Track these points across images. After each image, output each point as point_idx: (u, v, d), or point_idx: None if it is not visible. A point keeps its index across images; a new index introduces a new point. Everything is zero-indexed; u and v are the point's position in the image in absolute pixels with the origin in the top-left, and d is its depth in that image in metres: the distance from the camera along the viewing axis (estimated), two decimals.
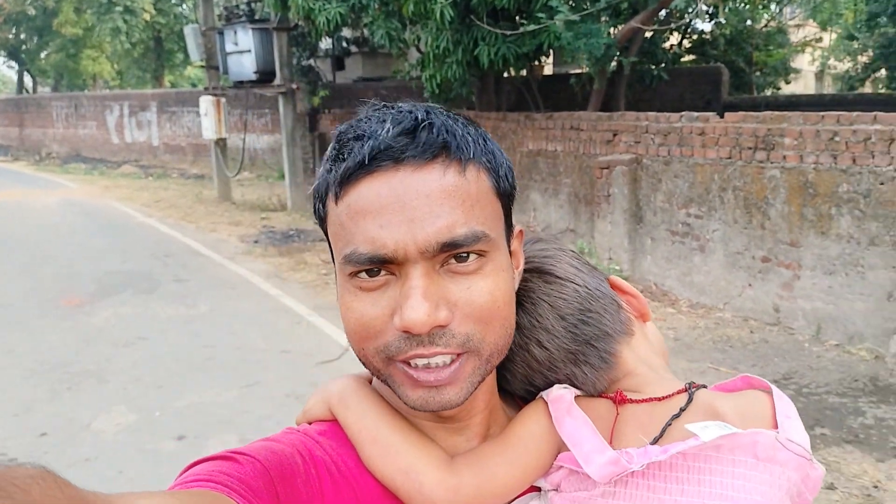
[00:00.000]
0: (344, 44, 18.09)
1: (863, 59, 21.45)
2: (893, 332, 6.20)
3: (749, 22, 17.11)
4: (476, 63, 10.12)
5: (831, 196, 6.49)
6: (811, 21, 23.24)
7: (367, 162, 0.79)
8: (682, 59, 15.83)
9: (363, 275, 0.80)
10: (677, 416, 0.87)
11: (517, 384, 0.99)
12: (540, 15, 8.88)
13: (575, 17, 8.81)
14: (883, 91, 19.28)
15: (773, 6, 18.34)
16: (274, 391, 5.79)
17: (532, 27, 8.92)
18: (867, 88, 21.38)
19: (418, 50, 12.69)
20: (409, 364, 0.81)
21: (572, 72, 15.68)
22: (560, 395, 0.92)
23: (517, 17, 10.27)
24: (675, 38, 15.35)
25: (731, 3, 15.37)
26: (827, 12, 21.82)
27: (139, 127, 25.54)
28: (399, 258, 0.78)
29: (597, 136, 8.93)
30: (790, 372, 6.03)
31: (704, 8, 14.15)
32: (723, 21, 15.79)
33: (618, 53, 10.04)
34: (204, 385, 5.91)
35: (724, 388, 0.96)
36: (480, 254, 0.81)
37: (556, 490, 0.90)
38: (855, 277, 6.42)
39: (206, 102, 15.65)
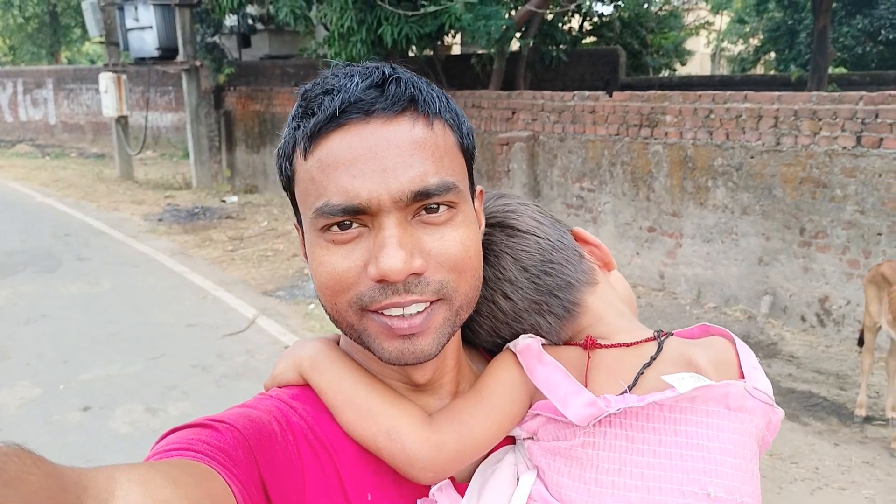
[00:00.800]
0: (250, 21, 17.83)
1: (754, 41, 22.54)
2: (763, 294, 6.80)
3: (645, 5, 17.81)
4: (380, 42, 10.28)
5: (708, 169, 7.03)
6: (705, 4, 24.29)
7: (337, 115, 0.80)
8: (583, 42, 16.39)
9: (335, 228, 0.81)
10: (648, 364, 0.89)
11: (484, 337, 1.00)
12: None
13: (474, 0, 9.09)
14: (773, 73, 20.35)
15: None
16: (180, 362, 5.90)
17: (433, 8, 9.14)
18: (759, 70, 22.49)
19: (325, 28, 12.73)
20: (382, 314, 0.82)
21: (479, 52, 16.03)
22: (527, 345, 0.93)
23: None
24: (576, 21, 15.86)
25: None
26: None
27: (34, 105, 24.44)
28: (373, 208, 0.79)
29: (497, 113, 9.27)
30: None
31: None
32: (622, 4, 16.41)
33: (517, 35, 10.37)
34: (109, 359, 5.95)
35: (684, 334, 0.98)
36: (450, 205, 0.83)
37: (533, 438, 0.92)
38: (730, 244, 6.98)
39: (105, 79, 15.21)
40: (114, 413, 4.99)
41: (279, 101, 14.25)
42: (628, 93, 7.80)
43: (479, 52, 14.44)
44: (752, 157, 6.67)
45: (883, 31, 17.18)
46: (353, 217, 0.80)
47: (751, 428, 0.87)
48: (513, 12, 11.64)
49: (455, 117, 0.87)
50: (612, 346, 0.92)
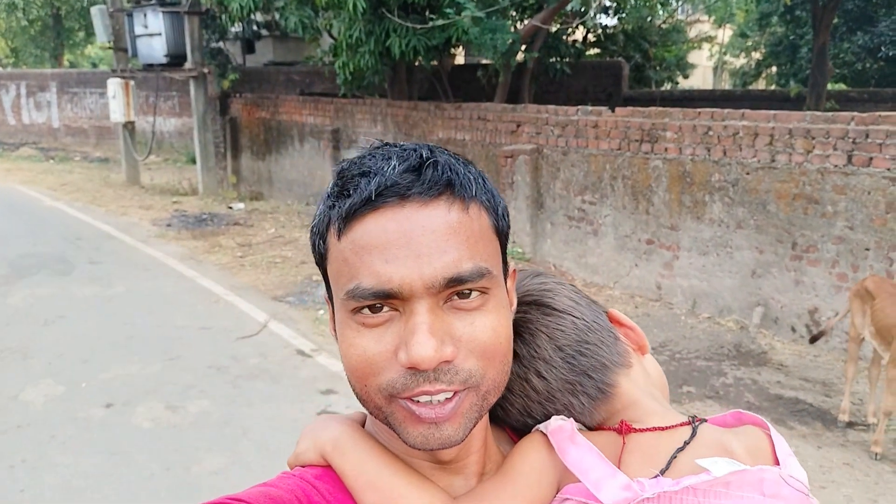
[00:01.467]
0: (255, 27, 18.08)
1: (756, 56, 22.78)
2: (755, 305, 7.03)
3: (649, 19, 18.09)
4: (388, 53, 10.53)
5: (705, 184, 7.27)
6: (707, 18, 24.60)
7: (373, 198, 0.79)
8: (587, 54, 16.66)
9: (366, 311, 0.81)
10: (682, 448, 0.88)
11: (514, 416, 0.99)
12: (448, 10, 9.37)
13: (481, 14, 9.34)
14: (774, 88, 20.59)
15: (672, 3, 19.43)
16: (196, 364, 6.13)
17: (441, 22, 9.40)
18: (761, 84, 22.73)
19: (331, 36, 12.98)
20: (411, 401, 0.81)
21: (483, 63, 16.28)
22: (560, 426, 0.92)
23: (427, 11, 10.74)
24: (579, 34, 16.14)
25: (630, 0, 16.28)
26: (721, 10, 23.18)
27: (38, 108, 24.66)
28: (405, 293, 0.79)
29: (502, 126, 9.52)
30: (666, 341, 6.78)
31: (607, 3, 14.97)
32: (625, 16, 16.69)
33: (522, 48, 10.63)
34: (127, 359, 6.19)
35: (717, 422, 0.98)
36: (483, 291, 0.82)
37: None
38: (725, 257, 7.22)
39: (114, 85, 15.48)
40: (135, 410, 5.23)
41: (285, 109, 14.50)
42: (630, 108, 8.05)
43: (484, 62, 14.71)
44: (747, 174, 6.91)
45: (883, 48, 17.42)
46: (385, 301, 0.80)
47: None
48: (518, 25, 11.91)
49: (491, 198, 0.88)
50: (647, 430, 0.91)
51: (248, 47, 19.51)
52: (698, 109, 7.43)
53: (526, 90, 12.31)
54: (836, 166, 6.25)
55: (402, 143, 0.88)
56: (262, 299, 8.00)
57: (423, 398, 0.80)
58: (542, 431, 0.93)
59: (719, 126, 7.12)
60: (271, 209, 13.18)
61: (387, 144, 0.88)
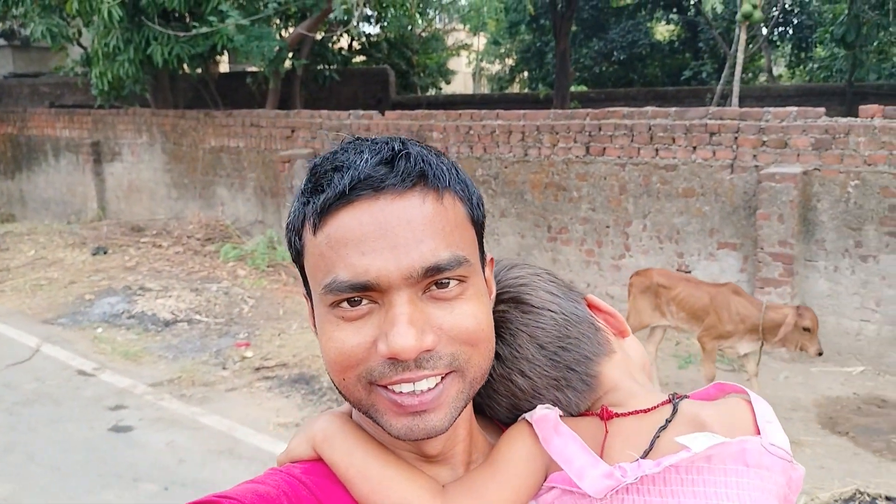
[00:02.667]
0: None
1: (509, 62, 24.56)
2: None
3: (409, 27, 18.96)
4: (150, 61, 10.22)
5: (473, 179, 7.93)
6: (463, 27, 26.10)
7: (347, 192, 0.80)
8: (353, 61, 17.13)
9: (345, 304, 0.81)
10: (664, 427, 0.89)
11: (503, 413, 0.99)
12: (211, 18, 9.33)
13: (245, 22, 9.40)
14: (526, 91, 22.34)
15: (429, 12, 20.47)
16: None
17: (205, 29, 9.33)
18: (515, 88, 24.52)
19: (79, 45, 12.29)
20: (392, 390, 0.81)
21: (249, 69, 16.15)
22: (544, 415, 0.92)
23: (189, 19, 10.56)
24: (345, 42, 16.55)
25: (391, 10, 16.98)
26: (475, 20, 24.73)
27: None
28: (382, 285, 0.79)
29: (276, 132, 9.65)
30: None
31: (368, 12, 15.52)
32: (386, 24, 17.38)
33: (290, 55, 10.80)
34: None
35: (699, 396, 0.99)
36: (461, 279, 0.82)
37: None
38: (493, 244, 7.94)
39: None
40: None
41: (35, 123, 13.48)
42: (399, 112, 8.57)
43: (252, 70, 14.63)
44: (506, 167, 7.67)
45: (615, 53, 19.68)
46: (363, 293, 0.80)
47: (771, 485, 0.85)
48: (284, 33, 12.06)
49: (465, 188, 0.88)
50: (629, 413, 0.92)
51: None
52: (459, 111, 8.10)
53: (297, 97, 12.48)
54: (577, 157, 7.15)
55: (373, 137, 0.88)
56: (31, 323, 7.50)
57: (405, 387, 0.80)
58: (527, 420, 0.94)
59: (479, 126, 7.82)
60: (27, 231, 12.20)
61: (358, 139, 0.88)
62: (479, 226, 0.90)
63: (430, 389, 0.81)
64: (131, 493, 4.33)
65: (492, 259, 0.96)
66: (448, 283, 0.81)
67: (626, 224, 6.97)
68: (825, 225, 6.12)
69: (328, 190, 0.81)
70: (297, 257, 0.88)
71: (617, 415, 0.92)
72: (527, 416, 0.94)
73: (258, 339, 6.96)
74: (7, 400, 5.65)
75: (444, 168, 0.85)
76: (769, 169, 6.17)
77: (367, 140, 0.86)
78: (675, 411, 0.91)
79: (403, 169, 0.81)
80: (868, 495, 4.31)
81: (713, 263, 6.63)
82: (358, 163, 0.81)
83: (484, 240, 0.92)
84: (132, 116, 11.80)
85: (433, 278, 0.80)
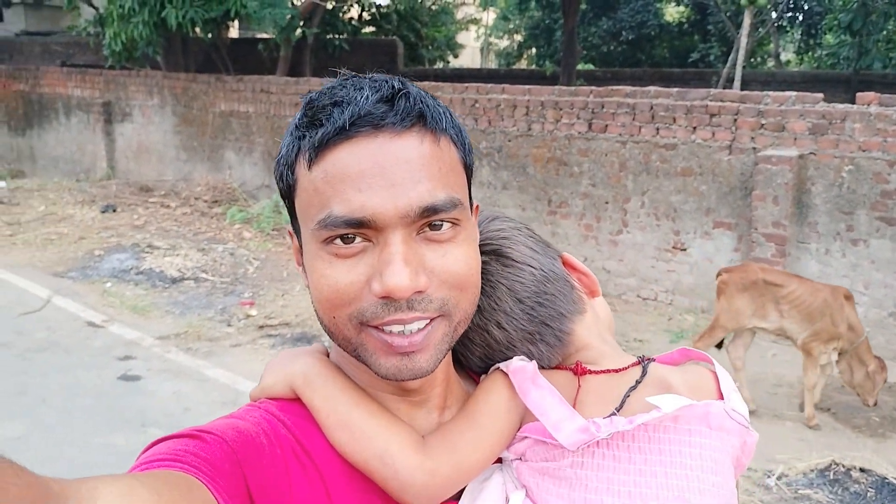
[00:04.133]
0: None
1: (517, 38, 24.52)
2: None
3: (420, 0, 18.97)
4: (164, 24, 10.33)
5: (475, 152, 8.06)
6: (473, 1, 26.03)
7: (347, 127, 0.79)
8: (363, 32, 17.19)
9: (338, 241, 0.80)
10: (634, 387, 0.92)
11: (475, 363, 1.01)
12: None
13: None
14: (534, 67, 22.35)
15: None
16: None
17: None
18: (523, 64, 24.52)
19: (90, 5, 12.38)
20: (382, 330, 0.81)
21: (259, 37, 16.23)
22: (521, 366, 0.93)
23: None
24: (355, 12, 16.60)
25: None
26: None
27: None
28: (378, 223, 0.79)
29: (286, 98, 9.78)
30: None
31: None
32: None
33: (301, 24, 10.90)
34: None
35: (665, 360, 1.02)
36: (454, 222, 0.83)
37: (521, 459, 0.93)
38: None
39: None
40: None
41: (47, 81, 13.61)
42: None
43: (263, 36, 14.71)
44: (509, 141, 7.82)
45: (624, 32, 19.69)
46: (357, 230, 0.80)
47: (728, 447, 0.91)
48: (296, 1, 12.14)
49: (459, 134, 0.88)
50: (602, 371, 0.94)
51: None
52: (466, 84, 8.23)
53: (307, 65, 12.60)
54: (579, 133, 7.29)
55: (373, 74, 0.87)
56: (42, 276, 7.71)
57: (395, 327, 0.81)
58: (503, 371, 0.94)
59: (484, 99, 7.95)
60: (37, 187, 12.37)
61: (356, 75, 0.86)
62: (469, 171, 0.91)
63: (419, 331, 0.81)
64: (139, 437, 4.54)
65: (477, 206, 0.96)
66: (441, 225, 0.82)
67: (624, 200, 7.14)
68: (818, 208, 6.28)
69: (327, 124, 0.80)
70: (288, 192, 0.87)
71: (590, 371, 0.94)
72: (502, 366, 0.95)
73: (262, 298, 7.16)
74: (19, 346, 5.87)
75: (441, 111, 0.86)
76: (766, 151, 6.33)
77: (367, 77, 0.85)
78: (644, 373, 0.94)
79: (403, 108, 0.81)
80: (843, 466, 4.51)
81: (708, 242, 6.80)
82: (358, 99, 0.80)
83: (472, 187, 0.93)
84: (144, 78, 11.93)
85: (429, 219, 0.80)
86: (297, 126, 0.85)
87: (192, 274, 7.79)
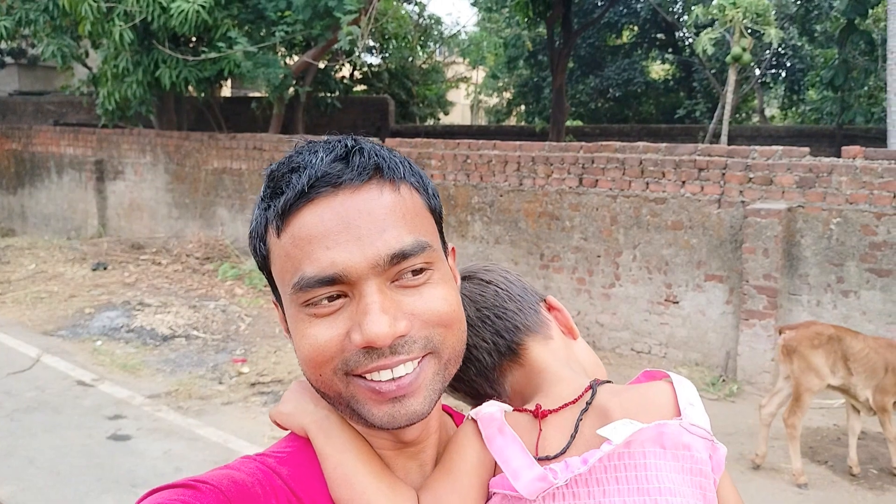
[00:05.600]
0: None
1: (507, 95, 24.94)
2: None
3: (410, 59, 19.34)
4: (158, 83, 10.47)
5: (467, 206, 8.16)
6: (463, 60, 26.56)
7: (306, 190, 0.81)
8: (354, 90, 17.47)
9: (316, 302, 0.82)
10: (585, 409, 0.93)
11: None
12: (220, 44, 9.60)
13: (253, 49, 9.67)
14: (523, 124, 22.68)
15: (430, 45, 20.90)
16: None
17: (213, 55, 9.59)
18: (512, 121, 24.87)
19: (85, 66, 12.55)
20: (370, 379, 0.82)
21: (252, 94, 16.46)
22: (490, 414, 0.94)
23: (197, 43, 10.84)
24: (347, 71, 16.89)
25: (393, 42, 17.38)
26: (474, 53, 25.20)
27: None
28: (351, 276, 0.80)
29: (278, 155, 9.81)
30: None
31: (371, 43, 15.89)
32: (388, 55, 17.77)
33: (294, 82, 11.08)
34: None
35: (631, 383, 1.03)
36: (426, 266, 0.84)
37: None
38: None
39: None
40: None
41: (40, 140, 13.70)
42: (398, 139, 8.80)
43: (255, 94, 14.91)
44: (501, 196, 7.89)
45: (611, 90, 20.07)
46: (331, 288, 0.81)
47: (690, 464, 0.89)
48: (289, 60, 12.36)
49: (420, 180, 0.89)
50: (560, 408, 0.94)
51: None
52: (458, 141, 8.34)
53: (299, 122, 12.75)
54: (570, 188, 7.38)
55: (326, 137, 0.90)
56: (31, 335, 7.64)
57: (384, 374, 0.81)
58: (473, 419, 0.95)
59: (476, 155, 8.05)
60: (28, 245, 12.35)
61: (311, 141, 0.89)
62: (437, 215, 0.92)
63: (407, 374, 0.82)
64: (129, 497, 4.45)
65: (453, 248, 0.97)
66: (414, 272, 0.83)
67: (616, 254, 7.18)
68: (808, 260, 6.34)
69: (287, 191, 0.82)
70: (264, 263, 0.89)
71: (551, 411, 0.94)
72: (472, 413, 0.95)
73: (254, 355, 7.10)
74: (7, 406, 5.78)
75: (398, 161, 0.88)
76: (755, 205, 6.40)
77: (321, 140, 0.88)
78: (594, 393, 0.94)
79: (359, 163, 0.83)
80: None
81: (700, 295, 6.83)
82: (314, 162, 0.83)
83: (444, 230, 0.95)
84: (137, 136, 12.03)
85: (399, 266, 0.82)
86: (262, 198, 0.87)
87: (184, 331, 7.74)
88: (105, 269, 10.34)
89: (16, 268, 10.66)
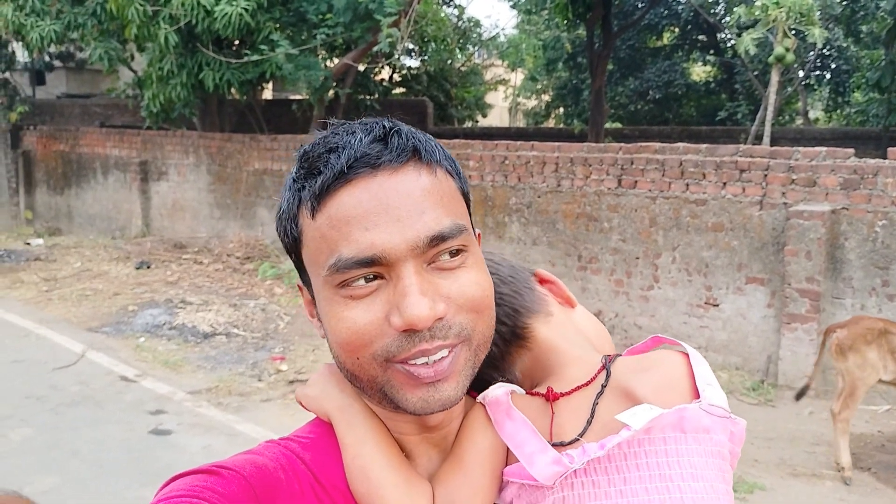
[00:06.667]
0: (46, 58, 17.22)
1: (545, 97, 24.83)
2: None
3: (449, 61, 19.38)
4: (201, 86, 10.65)
5: (504, 207, 8.15)
6: (501, 62, 26.52)
7: (345, 171, 0.80)
8: (393, 92, 17.57)
9: (352, 283, 0.81)
10: (601, 393, 0.90)
11: None
12: (262, 47, 9.73)
13: (294, 51, 9.79)
14: (561, 126, 22.56)
15: (469, 48, 20.92)
16: (11, 395, 5.98)
17: (256, 57, 9.73)
18: (550, 123, 24.75)
19: (130, 69, 12.82)
20: (408, 363, 0.82)
21: (293, 97, 16.64)
22: (496, 398, 0.93)
23: (240, 46, 11.01)
24: (386, 73, 17.00)
25: (432, 44, 17.43)
26: (513, 56, 25.14)
27: None
28: (389, 258, 0.79)
29: None
30: None
31: (411, 46, 15.95)
32: (427, 58, 17.83)
33: (334, 84, 11.19)
34: None
35: (636, 350, 1.00)
36: (462, 249, 0.84)
37: None
38: None
39: None
40: None
41: (86, 142, 14.02)
42: (438, 141, 8.81)
43: (296, 97, 15.08)
44: (539, 197, 7.87)
45: (651, 92, 19.85)
46: (369, 269, 0.80)
47: (711, 447, 0.87)
48: (329, 63, 12.48)
49: (452, 165, 0.90)
50: (572, 391, 0.93)
51: (38, 79, 18.53)
52: (496, 142, 8.34)
53: None
54: (609, 189, 7.32)
55: (363, 119, 0.89)
56: (77, 331, 7.82)
57: (420, 359, 0.81)
58: (482, 404, 0.94)
59: (514, 156, 8.04)
60: (74, 244, 12.65)
61: (346, 122, 0.88)
62: (468, 199, 0.92)
63: (443, 359, 0.82)
64: None
65: (479, 234, 0.96)
66: (451, 253, 0.83)
67: (655, 256, 7.11)
68: (852, 263, 6.20)
69: (325, 171, 0.81)
70: (294, 245, 0.87)
71: (562, 395, 0.92)
72: (480, 397, 0.94)
73: (293, 353, 7.19)
74: (52, 400, 5.93)
75: (433, 144, 0.87)
76: (798, 206, 6.29)
77: (357, 122, 0.87)
78: (608, 374, 0.92)
79: (398, 145, 0.83)
80: None
81: (741, 298, 6.72)
82: (352, 142, 0.82)
83: (482, 231, 1.02)
84: (180, 138, 12.25)
85: (437, 248, 0.81)
86: (294, 179, 0.86)
87: (224, 329, 7.86)
88: (148, 267, 10.55)
89: (62, 266, 10.93)
